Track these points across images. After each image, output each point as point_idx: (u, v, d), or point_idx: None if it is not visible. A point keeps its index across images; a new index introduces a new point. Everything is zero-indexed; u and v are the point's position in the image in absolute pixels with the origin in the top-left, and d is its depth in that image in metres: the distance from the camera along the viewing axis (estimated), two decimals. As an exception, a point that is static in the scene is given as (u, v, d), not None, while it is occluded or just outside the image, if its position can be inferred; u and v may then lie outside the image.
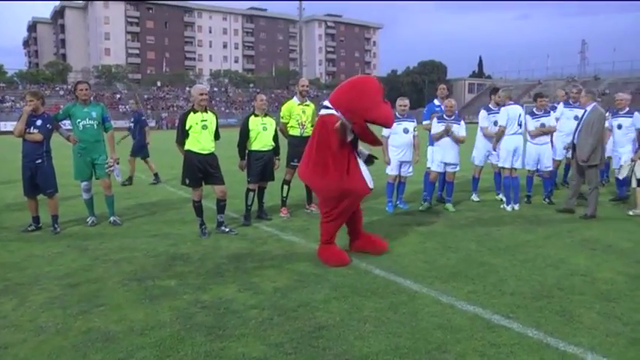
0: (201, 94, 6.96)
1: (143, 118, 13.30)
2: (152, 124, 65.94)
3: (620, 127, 9.51)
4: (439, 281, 5.09)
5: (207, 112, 7.01)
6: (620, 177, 8.23)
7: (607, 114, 9.65)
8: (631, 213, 8.16)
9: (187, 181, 6.99)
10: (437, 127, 8.70)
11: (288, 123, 8.30)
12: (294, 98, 8.42)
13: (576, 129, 8.37)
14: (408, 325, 4.03)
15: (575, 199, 8.52)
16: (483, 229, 7.39)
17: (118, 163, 7.81)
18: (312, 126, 8.20)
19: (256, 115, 7.80)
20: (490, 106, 9.59)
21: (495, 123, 9.18)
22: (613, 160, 9.85)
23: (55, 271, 5.51)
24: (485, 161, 9.70)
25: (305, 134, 8.19)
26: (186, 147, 6.92)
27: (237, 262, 5.80)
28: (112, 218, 7.85)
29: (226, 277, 5.28)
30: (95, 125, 7.54)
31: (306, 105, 8.34)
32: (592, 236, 6.92)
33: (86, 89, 7.61)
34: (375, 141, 5.93)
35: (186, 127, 6.86)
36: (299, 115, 8.16)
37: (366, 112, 5.58)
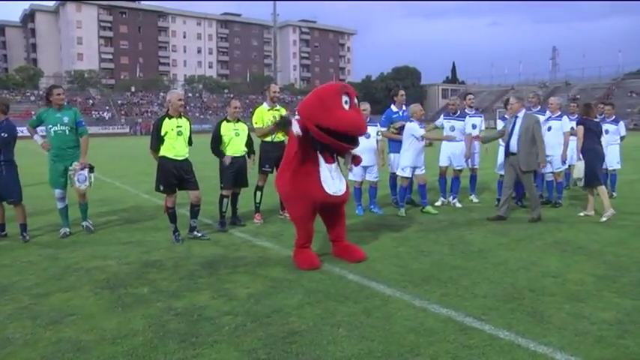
0: (180, 100, 7.02)
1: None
2: (125, 129, 65.34)
3: (549, 129, 9.61)
4: (412, 285, 5.13)
5: (181, 118, 7.03)
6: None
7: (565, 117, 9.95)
8: (604, 219, 8.08)
9: (161, 188, 6.96)
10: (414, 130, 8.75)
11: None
12: (264, 104, 8.36)
13: (510, 136, 8.28)
14: (381, 329, 4.06)
15: (508, 205, 8.46)
16: (456, 233, 7.47)
17: (92, 171, 7.47)
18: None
19: (228, 121, 7.77)
20: (505, 116, 9.69)
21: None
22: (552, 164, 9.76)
23: (25, 281, 5.41)
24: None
25: (276, 140, 8.19)
26: (161, 153, 6.90)
27: (211, 268, 5.78)
28: (84, 223, 7.70)
29: (200, 283, 5.25)
30: (67, 131, 7.31)
31: (276, 110, 8.28)
32: (563, 238, 7.05)
33: (61, 94, 7.43)
34: (342, 147, 5.82)
35: (162, 133, 6.84)
36: (270, 120, 8.14)
37: (318, 119, 5.53)
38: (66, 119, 7.32)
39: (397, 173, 9.05)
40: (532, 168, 8.20)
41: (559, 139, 9.48)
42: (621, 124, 10.95)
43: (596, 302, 4.63)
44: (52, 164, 7.40)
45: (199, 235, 7.18)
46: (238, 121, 7.87)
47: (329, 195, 5.75)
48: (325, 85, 6.12)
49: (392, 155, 9.32)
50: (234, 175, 7.72)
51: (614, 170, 10.74)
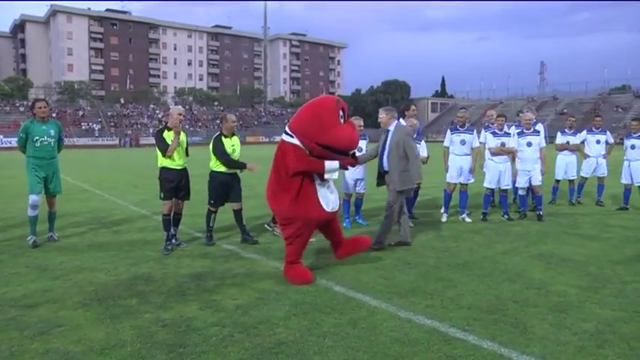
0: (180, 114, 7.44)
1: None
2: (115, 141, 65.10)
3: (529, 144, 9.69)
4: (398, 296, 5.19)
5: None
6: None
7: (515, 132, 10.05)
8: None
9: (162, 195, 7.33)
10: None
11: None
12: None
13: (382, 153, 7.43)
14: (366, 340, 4.11)
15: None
16: (442, 245, 7.55)
17: None
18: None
19: (225, 136, 7.71)
20: (490, 126, 9.90)
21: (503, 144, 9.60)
22: (519, 178, 9.89)
23: (12, 292, 5.40)
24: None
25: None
26: (162, 164, 7.30)
27: (199, 280, 5.81)
28: (50, 234, 7.91)
29: (188, 295, 5.28)
30: (52, 143, 7.69)
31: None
32: (548, 251, 7.16)
33: (44, 107, 7.71)
34: (342, 161, 5.92)
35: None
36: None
37: (317, 136, 5.56)
38: (52, 132, 7.69)
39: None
40: (408, 187, 7.31)
41: (538, 155, 9.62)
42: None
43: (578, 313, 4.72)
44: (32, 172, 7.55)
45: (177, 243, 7.49)
46: (233, 135, 7.89)
47: (328, 213, 5.84)
48: (319, 99, 6.05)
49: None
50: (225, 190, 7.64)
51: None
